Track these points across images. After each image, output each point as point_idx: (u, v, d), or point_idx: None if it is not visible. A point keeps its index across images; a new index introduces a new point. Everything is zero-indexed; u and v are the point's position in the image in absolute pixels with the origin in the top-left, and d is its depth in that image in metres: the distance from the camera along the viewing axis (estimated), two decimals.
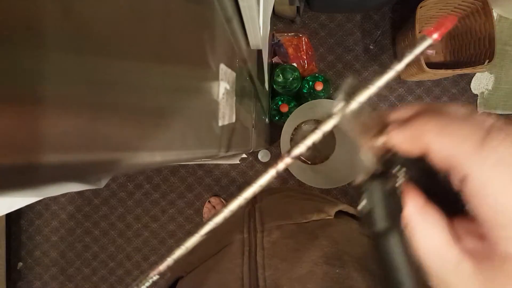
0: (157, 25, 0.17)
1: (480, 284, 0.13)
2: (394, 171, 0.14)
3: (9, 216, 1.21)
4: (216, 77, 0.29)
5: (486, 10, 0.91)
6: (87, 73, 0.11)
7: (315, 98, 1.01)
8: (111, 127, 0.13)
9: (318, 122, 1.16)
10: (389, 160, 0.15)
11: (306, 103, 0.97)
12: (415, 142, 0.14)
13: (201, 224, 0.17)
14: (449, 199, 0.14)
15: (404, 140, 0.14)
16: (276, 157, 1.16)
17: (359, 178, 0.15)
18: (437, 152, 0.13)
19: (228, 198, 1.18)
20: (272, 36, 1.07)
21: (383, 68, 0.13)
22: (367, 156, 0.15)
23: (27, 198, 0.34)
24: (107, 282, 1.24)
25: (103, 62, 0.12)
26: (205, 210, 1.17)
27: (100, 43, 0.12)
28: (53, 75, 0.09)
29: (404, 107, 0.15)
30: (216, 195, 1.19)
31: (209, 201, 1.17)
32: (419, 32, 0.94)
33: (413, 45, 0.14)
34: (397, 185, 0.14)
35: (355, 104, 0.14)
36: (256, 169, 1.17)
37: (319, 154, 1.11)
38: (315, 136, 0.15)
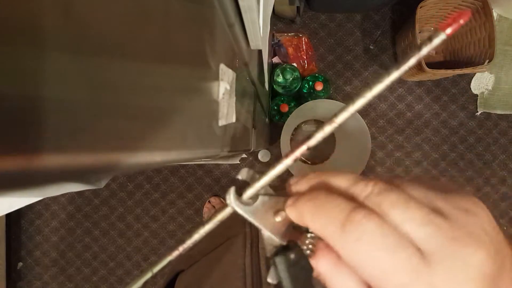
0: (157, 25, 0.17)
1: None
2: (304, 233, 0.16)
3: (9, 216, 1.21)
4: (216, 77, 0.29)
5: (486, 10, 0.91)
6: (87, 73, 0.11)
7: (315, 98, 1.01)
8: (111, 127, 0.13)
9: (318, 122, 1.16)
10: (297, 228, 0.17)
11: (306, 103, 0.97)
12: (300, 221, 0.16)
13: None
14: None
15: (294, 218, 0.16)
16: (276, 157, 1.16)
17: (267, 255, 0.17)
18: (314, 232, 0.15)
19: None
20: (272, 36, 1.07)
21: (386, 69, 0.13)
22: (269, 235, 0.16)
23: (27, 198, 0.34)
24: (107, 282, 1.24)
25: (103, 62, 0.12)
26: (205, 210, 1.17)
27: (100, 43, 0.12)
28: (53, 75, 0.09)
29: (302, 179, 0.17)
30: (216, 195, 1.19)
31: (209, 201, 1.17)
32: (419, 32, 0.94)
33: (416, 45, 0.14)
34: (306, 250, 0.16)
35: (251, 191, 0.16)
36: (256, 169, 1.17)
37: (319, 154, 1.11)
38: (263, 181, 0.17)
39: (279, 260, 0.15)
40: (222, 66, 0.30)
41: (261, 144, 0.79)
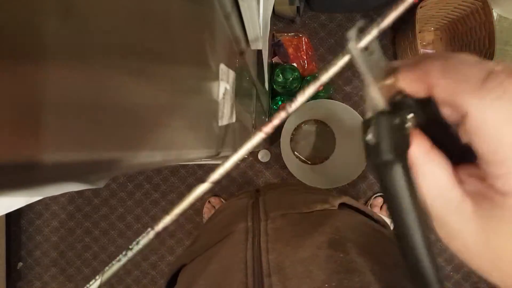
0: (157, 25, 0.17)
1: (478, 223, 0.13)
2: (403, 114, 0.15)
3: (9, 216, 1.21)
4: (216, 77, 0.29)
5: (486, 10, 0.91)
6: (86, 73, 0.11)
7: (315, 98, 1.01)
8: (111, 127, 0.13)
9: (318, 122, 1.16)
10: (398, 104, 0.15)
11: (306, 103, 0.97)
12: (420, 82, 0.14)
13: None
14: (454, 147, 0.14)
15: (411, 80, 0.14)
16: (276, 157, 1.16)
17: (368, 114, 0.15)
18: (440, 91, 0.13)
19: (228, 198, 1.18)
20: (272, 36, 1.07)
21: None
22: (376, 95, 0.15)
23: (27, 198, 0.34)
24: (107, 283, 1.24)
25: (102, 62, 0.12)
26: (205, 210, 1.17)
27: (99, 42, 0.12)
28: (53, 75, 0.09)
29: (414, 56, 0.16)
30: (216, 195, 1.19)
31: (209, 201, 1.17)
32: (419, 32, 0.94)
33: (395, 5, 0.14)
34: (405, 124, 0.15)
35: (368, 38, 0.14)
36: (256, 169, 1.17)
37: (319, 154, 1.11)
38: (335, 68, 0.15)
39: (383, 119, 0.14)
40: (222, 66, 0.30)
41: (261, 144, 0.79)
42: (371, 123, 0.14)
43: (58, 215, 1.24)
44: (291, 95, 1.09)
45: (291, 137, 1.07)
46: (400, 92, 0.15)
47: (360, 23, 0.15)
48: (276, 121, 0.15)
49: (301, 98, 0.15)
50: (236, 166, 1.19)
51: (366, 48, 0.15)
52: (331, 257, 0.27)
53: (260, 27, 0.38)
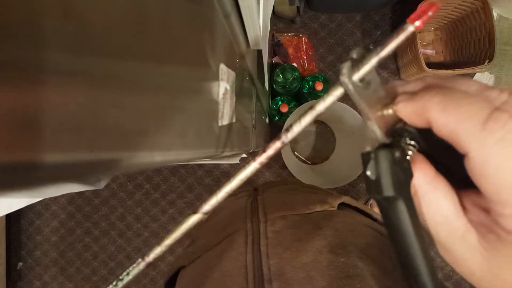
0: (157, 25, 0.17)
1: (484, 255, 0.13)
2: (403, 142, 0.15)
3: (9, 216, 1.21)
4: (216, 77, 0.29)
5: (486, 10, 0.91)
6: (86, 73, 0.11)
7: (315, 98, 1.01)
8: (111, 127, 0.13)
9: (318, 122, 1.16)
10: (398, 131, 0.15)
11: (306, 103, 0.97)
12: (420, 115, 0.14)
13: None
14: (457, 173, 0.14)
15: (411, 112, 0.14)
16: (276, 157, 1.16)
17: (367, 147, 0.15)
18: (439, 128, 0.13)
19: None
20: (272, 36, 1.07)
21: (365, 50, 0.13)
22: (375, 127, 0.15)
23: (27, 199, 0.34)
24: (107, 282, 1.24)
25: (102, 62, 0.12)
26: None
27: (99, 42, 0.12)
28: (53, 75, 0.09)
29: (415, 80, 0.15)
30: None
31: None
32: (419, 32, 0.94)
33: (395, 33, 0.13)
34: (406, 155, 0.14)
35: (363, 70, 0.14)
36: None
37: (319, 154, 1.11)
38: (331, 98, 0.14)
39: (383, 154, 0.14)
40: (222, 66, 0.30)
41: (261, 144, 0.79)
42: (371, 157, 0.14)
43: (58, 215, 1.24)
44: (291, 95, 1.09)
45: None
46: (400, 120, 0.15)
47: (355, 52, 0.14)
48: (271, 151, 0.15)
49: (297, 128, 0.15)
50: (236, 166, 1.19)
51: (361, 80, 0.14)
52: (332, 262, 0.27)
53: (260, 27, 0.38)
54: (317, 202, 0.37)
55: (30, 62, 0.09)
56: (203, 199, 0.16)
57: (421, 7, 0.12)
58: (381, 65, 1.15)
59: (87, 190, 1.23)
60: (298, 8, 1.03)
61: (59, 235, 1.25)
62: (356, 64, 0.14)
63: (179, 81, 0.21)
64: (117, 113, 0.14)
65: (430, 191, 0.14)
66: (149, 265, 0.18)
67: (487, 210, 0.13)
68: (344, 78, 0.14)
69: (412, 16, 0.12)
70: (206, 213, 0.16)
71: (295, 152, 1.12)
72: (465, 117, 0.12)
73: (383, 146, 0.14)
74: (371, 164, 0.14)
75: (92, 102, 0.12)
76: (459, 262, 0.14)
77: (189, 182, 1.21)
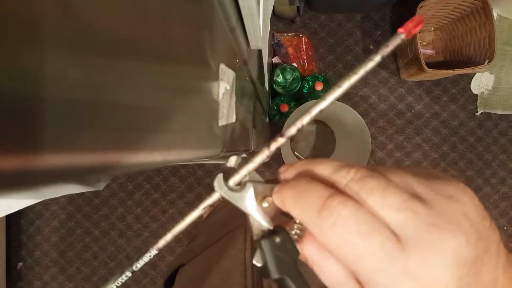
0: (157, 24, 0.17)
1: None
2: (291, 223, 0.17)
3: (9, 216, 1.21)
4: (216, 77, 0.29)
5: (486, 10, 0.91)
6: (86, 73, 0.11)
7: (315, 98, 1.01)
8: (111, 127, 0.13)
9: (318, 122, 1.16)
10: (287, 214, 0.17)
11: (306, 103, 0.97)
12: (283, 207, 0.16)
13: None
14: None
15: (279, 204, 0.17)
16: (276, 157, 1.16)
17: (254, 237, 0.17)
18: (295, 217, 0.16)
19: None
20: (272, 36, 1.07)
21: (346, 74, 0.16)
22: (256, 220, 0.17)
23: (26, 200, 0.34)
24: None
25: (102, 62, 0.12)
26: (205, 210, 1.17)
27: (99, 43, 0.12)
28: (53, 75, 0.09)
29: (290, 168, 0.18)
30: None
31: None
32: (419, 32, 0.94)
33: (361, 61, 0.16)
34: (293, 235, 0.17)
35: (238, 176, 0.17)
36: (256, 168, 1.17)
37: (319, 154, 1.11)
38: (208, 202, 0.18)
39: (264, 243, 0.16)
40: (222, 66, 0.30)
41: (261, 144, 0.79)
42: (256, 246, 0.16)
43: (58, 215, 1.24)
44: (291, 95, 1.09)
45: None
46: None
47: (231, 161, 0.18)
48: (244, 171, 0.18)
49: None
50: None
51: (239, 184, 0.17)
52: None
53: (260, 27, 0.38)
54: None
55: (30, 61, 0.09)
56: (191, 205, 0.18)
57: (410, 21, 0.14)
58: (381, 65, 1.15)
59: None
60: (298, 8, 1.03)
61: (59, 235, 1.25)
62: (232, 172, 0.17)
63: (179, 81, 0.21)
64: (117, 113, 0.14)
65: (321, 259, 0.16)
66: (160, 251, 0.20)
67: None
68: (216, 189, 0.17)
69: (402, 28, 0.14)
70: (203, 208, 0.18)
71: (295, 152, 1.12)
72: (306, 208, 0.15)
73: (267, 233, 0.17)
74: (257, 253, 0.16)
75: (92, 102, 0.12)
76: None
77: (189, 182, 1.21)
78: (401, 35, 0.14)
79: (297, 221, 0.17)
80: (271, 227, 0.17)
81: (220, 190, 0.17)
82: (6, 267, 1.15)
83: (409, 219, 0.13)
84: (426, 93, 1.15)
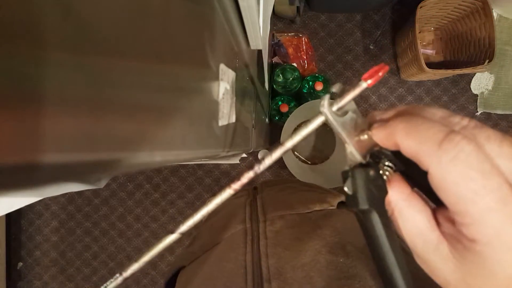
0: (157, 25, 0.17)
1: (455, 264, 0.15)
2: (382, 163, 0.17)
3: (9, 216, 1.21)
4: (216, 77, 0.29)
5: (486, 10, 0.91)
6: (86, 73, 0.11)
7: (315, 98, 1.01)
8: (111, 127, 0.13)
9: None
10: (376, 154, 0.17)
11: (306, 103, 0.97)
12: (389, 139, 0.16)
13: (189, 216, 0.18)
14: (430, 189, 0.16)
15: (382, 137, 0.16)
16: None
17: (346, 167, 0.17)
18: (405, 150, 0.15)
19: None
20: (272, 36, 1.07)
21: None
22: (353, 149, 0.17)
23: (27, 198, 0.34)
24: (107, 282, 1.24)
25: (103, 62, 0.12)
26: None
27: (99, 42, 0.12)
28: (53, 75, 0.09)
29: (389, 109, 0.17)
30: (216, 194, 1.18)
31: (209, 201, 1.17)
32: (419, 32, 0.94)
33: (352, 88, 0.16)
34: (381, 174, 0.16)
35: (342, 102, 0.16)
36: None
37: (319, 154, 1.11)
38: (303, 133, 0.16)
39: (359, 172, 0.16)
40: (222, 66, 0.30)
41: (261, 144, 0.79)
42: (348, 174, 0.16)
43: (58, 215, 1.24)
44: (291, 95, 1.09)
45: None
46: (376, 145, 0.17)
47: (335, 86, 0.17)
48: (244, 180, 0.17)
49: (268, 161, 0.17)
50: (236, 166, 1.19)
51: (340, 109, 0.16)
52: (331, 262, 0.27)
53: (260, 27, 0.38)
54: (316, 201, 0.37)
55: (30, 61, 0.09)
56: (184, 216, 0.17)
57: (373, 68, 0.15)
58: None
59: (87, 190, 1.23)
60: (298, 8, 1.03)
61: (59, 235, 1.25)
62: (336, 96, 0.16)
63: (179, 81, 0.21)
64: (117, 112, 0.14)
65: (406, 207, 0.16)
66: (126, 279, 0.19)
67: (453, 222, 0.15)
68: (323, 109, 0.16)
69: (365, 75, 0.15)
70: (182, 233, 0.18)
71: (295, 152, 1.12)
72: (424, 139, 0.14)
73: (360, 165, 0.16)
74: (348, 180, 0.16)
75: (92, 102, 0.12)
76: (435, 272, 0.16)
77: (189, 182, 1.21)
78: (364, 83, 0.15)
79: (386, 164, 0.17)
80: (364, 161, 0.17)
81: (326, 111, 0.16)
82: (6, 267, 1.15)
83: None
84: (426, 93, 1.15)
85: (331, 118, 0.16)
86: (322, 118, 0.16)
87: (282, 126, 0.97)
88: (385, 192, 0.16)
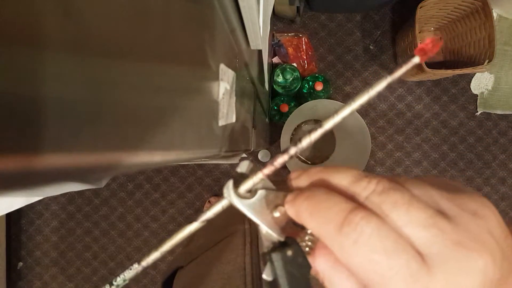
0: (157, 25, 0.17)
1: None
2: (305, 233, 0.16)
3: (9, 216, 1.21)
4: (216, 77, 0.29)
5: (486, 10, 0.91)
6: (87, 73, 0.11)
7: (315, 98, 1.01)
8: (111, 127, 0.13)
9: (318, 122, 1.16)
10: (299, 225, 0.16)
11: (306, 103, 0.97)
12: (298, 219, 0.15)
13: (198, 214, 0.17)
14: None
15: (292, 215, 0.16)
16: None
17: (264, 248, 0.16)
18: (312, 230, 0.15)
19: None
20: (272, 36, 1.07)
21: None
22: (268, 230, 0.16)
23: (27, 198, 0.34)
24: (107, 282, 1.24)
25: (103, 62, 0.12)
26: (204, 210, 1.17)
27: (100, 43, 0.12)
28: (53, 75, 0.10)
29: (302, 175, 0.17)
30: (216, 195, 1.19)
31: (209, 201, 1.17)
32: (419, 32, 0.94)
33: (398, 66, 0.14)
34: (305, 247, 0.16)
35: (250, 182, 0.15)
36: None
37: (319, 154, 1.11)
38: (217, 208, 0.16)
39: (275, 256, 0.15)
40: (222, 66, 0.30)
41: (261, 144, 0.79)
42: (266, 259, 0.15)
43: (58, 215, 1.24)
44: (291, 95, 1.09)
45: (291, 137, 1.07)
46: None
47: (242, 166, 0.16)
48: (277, 164, 0.16)
49: (306, 142, 0.16)
50: (236, 166, 1.19)
51: (249, 191, 0.16)
52: None
53: (260, 27, 0.38)
54: None
55: (30, 62, 0.09)
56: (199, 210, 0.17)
57: (426, 42, 0.13)
58: (381, 65, 1.15)
59: (87, 190, 1.23)
60: (298, 8, 1.03)
61: (59, 235, 1.25)
62: (242, 178, 0.16)
63: (179, 81, 0.21)
64: (118, 113, 0.14)
65: (333, 275, 0.15)
66: (145, 269, 0.18)
67: None
68: (226, 194, 0.15)
69: (417, 50, 0.13)
70: (203, 222, 0.17)
71: None
72: (325, 221, 0.14)
73: (279, 245, 0.16)
74: (267, 266, 0.15)
75: (92, 102, 0.12)
76: None
77: (189, 182, 1.21)
78: (416, 58, 0.13)
79: (309, 232, 0.16)
80: (282, 239, 0.16)
81: (229, 198, 0.15)
82: (6, 267, 1.15)
83: (435, 237, 0.12)
84: (426, 93, 1.15)
85: (236, 203, 0.15)
86: (226, 202, 0.16)
87: (282, 126, 0.97)
88: (308, 268, 0.15)
